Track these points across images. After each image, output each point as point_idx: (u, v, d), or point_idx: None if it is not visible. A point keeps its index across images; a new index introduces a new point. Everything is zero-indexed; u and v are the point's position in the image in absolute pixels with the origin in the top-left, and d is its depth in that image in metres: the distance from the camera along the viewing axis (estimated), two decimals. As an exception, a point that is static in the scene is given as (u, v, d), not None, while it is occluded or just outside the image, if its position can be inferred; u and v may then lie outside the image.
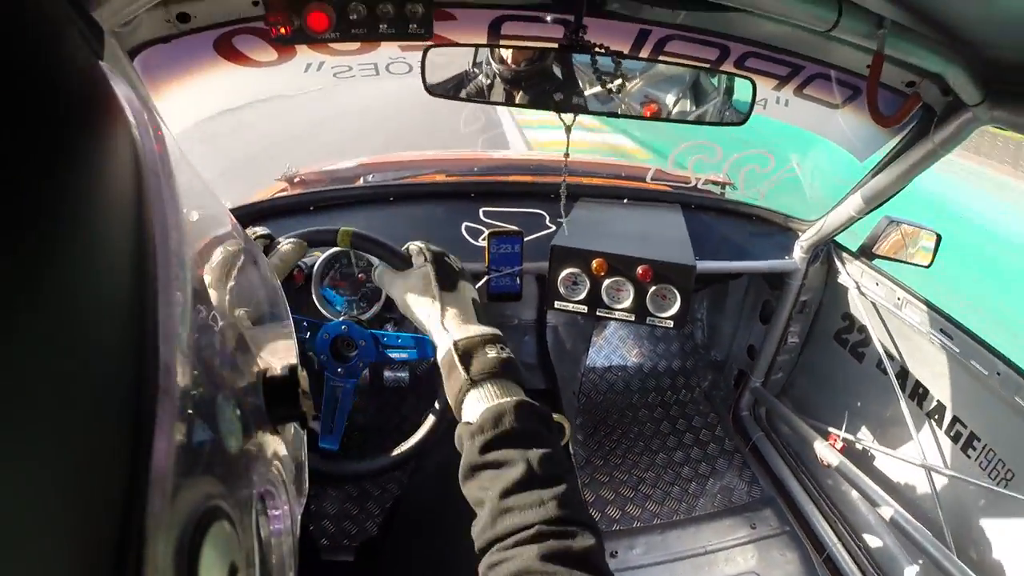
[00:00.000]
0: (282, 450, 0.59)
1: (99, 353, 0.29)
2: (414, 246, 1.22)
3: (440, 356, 1.02)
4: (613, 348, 3.16)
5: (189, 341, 0.37)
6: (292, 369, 0.60)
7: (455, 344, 0.99)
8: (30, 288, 0.24)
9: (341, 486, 2.25)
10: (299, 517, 0.63)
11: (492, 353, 0.97)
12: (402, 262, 1.24)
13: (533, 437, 0.86)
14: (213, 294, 0.47)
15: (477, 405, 0.91)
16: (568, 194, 1.95)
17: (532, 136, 7.06)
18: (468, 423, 0.90)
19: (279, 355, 0.66)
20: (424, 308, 1.11)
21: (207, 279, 0.46)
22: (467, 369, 0.95)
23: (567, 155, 1.70)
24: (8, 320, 0.23)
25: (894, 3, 1.15)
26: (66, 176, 0.28)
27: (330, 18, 1.08)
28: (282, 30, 1.10)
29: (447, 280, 1.13)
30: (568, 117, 1.58)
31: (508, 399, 0.90)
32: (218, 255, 0.52)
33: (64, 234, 0.27)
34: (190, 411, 0.35)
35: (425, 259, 1.16)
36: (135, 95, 0.41)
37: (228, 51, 1.45)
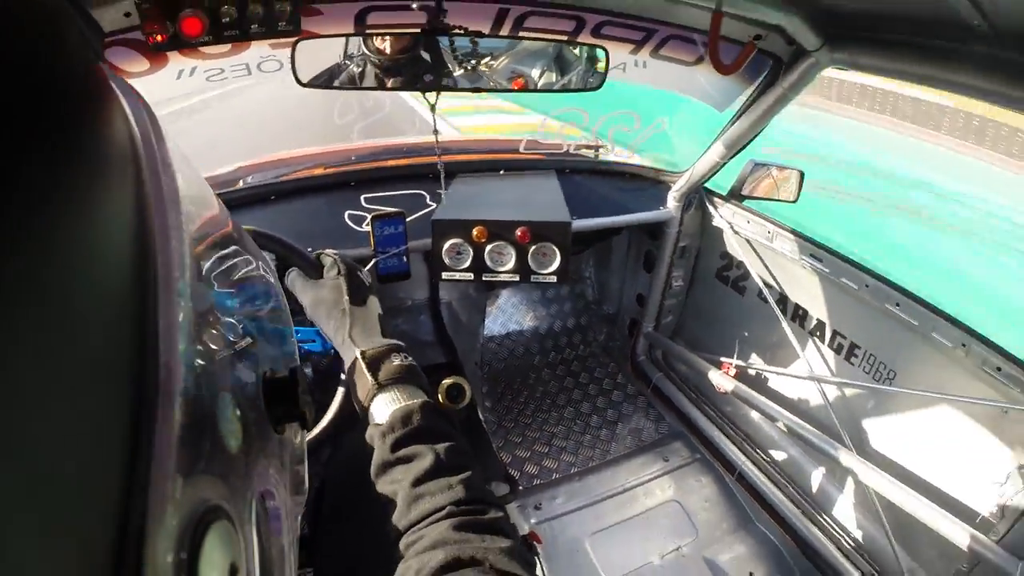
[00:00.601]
0: (282, 450, 0.60)
1: (99, 353, 0.29)
2: (328, 257, 1.25)
3: (347, 364, 1.08)
4: (508, 316, 3.24)
5: (190, 341, 0.36)
6: (292, 369, 0.61)
7: (363, 353, 1.04)
8: (29, 287, 0.24)
9: None
10: (300, 517, 0.65)
11: (397, 361, 1.04)
12: (309, 265, 1.26)
13: (438, 433, 0.93)
14: (213, 294, 0.47)
15: (385, 407, 0.97)
16: (445, 172, 2.00)
17: (460, 122, 7.07)
18: (378, 424, 0.95)
19: (279, 355, 0.67)
20: (333, 319, 1.14)
21: (207, 279, 0.46)
22: (375, 375, 1.01)
23: (436, 132, 1.76)
24: (7, 319, 0.23)
25: None
26: (66, 175, 0.28)
27: (203, 23, 1.09)
28: (158, 38, 1.10)
29: (357, 294, 1.17)
30: (432, 96, 1.64)
31: (414, 401, 0.97)
32: (219, 255, 0.52)
33: (64, 234, 0.27)
34: (190, 411, 0.34)
35: (339, 272, 1.20)
36: (134, 94, 0.41)
37: (99, 65, 1.42)
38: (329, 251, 1.27)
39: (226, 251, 0.56)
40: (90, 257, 0.29)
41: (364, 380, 1.01)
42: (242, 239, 0.63)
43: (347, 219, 1.99)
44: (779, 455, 2.30)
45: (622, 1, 1.60)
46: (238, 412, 0.45)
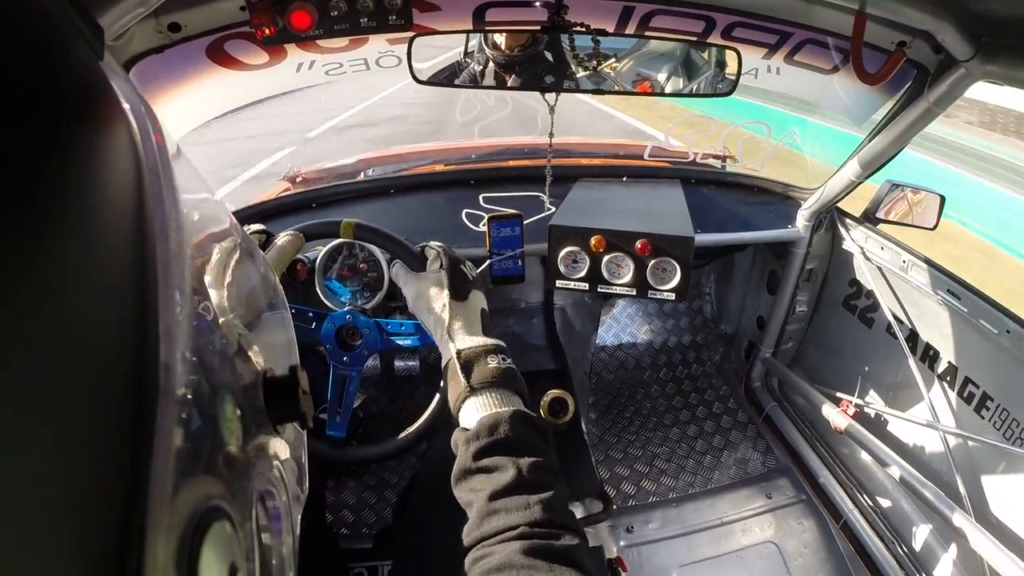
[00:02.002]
0: (282, 450, 0.59)
1: (99, 353, 0.29)
2: (432, 249, 1.24)
3: (443, 363, 1.05)
4: (622, 326, 3.15)
5: (189, 341, 0.37)
6: (292, 369, 0.61)
7: (458, 353, 1.01)
8: (28, 287, 0.24)
9: (350, 472, 2.27)
10: (299, 517, 0.64)
11: (493, 363, 0.99)
12: (412, 258, 1.26)
13: (525, 446, 0.88)
14: (213, 293, 0.47)
15: (475, 412, 0.93)
16: (567, 175, 1.94)
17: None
18: (465, 429, 0.92)
19: (279, 354, 0.65)
20: (433, 314, 1.12)
21: (207, 278, 0.46)
22: (467, 377, 0.97)
23: (552, 135, 1.72)
24: (6, 319, 0.23)
25: None
26: (65, 174, 0.28)
27: (312, 16, 1.10)
28: (267, 31, 1.11)
29: (459, 289, 1.14)
30: (551, 98, 1.59)
31: (505, 409, 0.92)
32: (218, 254, 0.52)
33: (63, 233, 0.27)
34: (190, 411, 0.35)
35: (441, 265, 1.18)
36: (134, 94, 0.41)
37: (221, 57, 1.48)
38: (434, 243, 1.25)
39: (226, 249, 0.55)
40: (89, 256, 0.29)
41: (457, 381, 0.98)
42: (242, 236, 0.63)
43: (464, 218, 1.98)
44: (890, 507, 2.09)
45: (756, 0, 1.50)
46: (238, 412, 0.45)
